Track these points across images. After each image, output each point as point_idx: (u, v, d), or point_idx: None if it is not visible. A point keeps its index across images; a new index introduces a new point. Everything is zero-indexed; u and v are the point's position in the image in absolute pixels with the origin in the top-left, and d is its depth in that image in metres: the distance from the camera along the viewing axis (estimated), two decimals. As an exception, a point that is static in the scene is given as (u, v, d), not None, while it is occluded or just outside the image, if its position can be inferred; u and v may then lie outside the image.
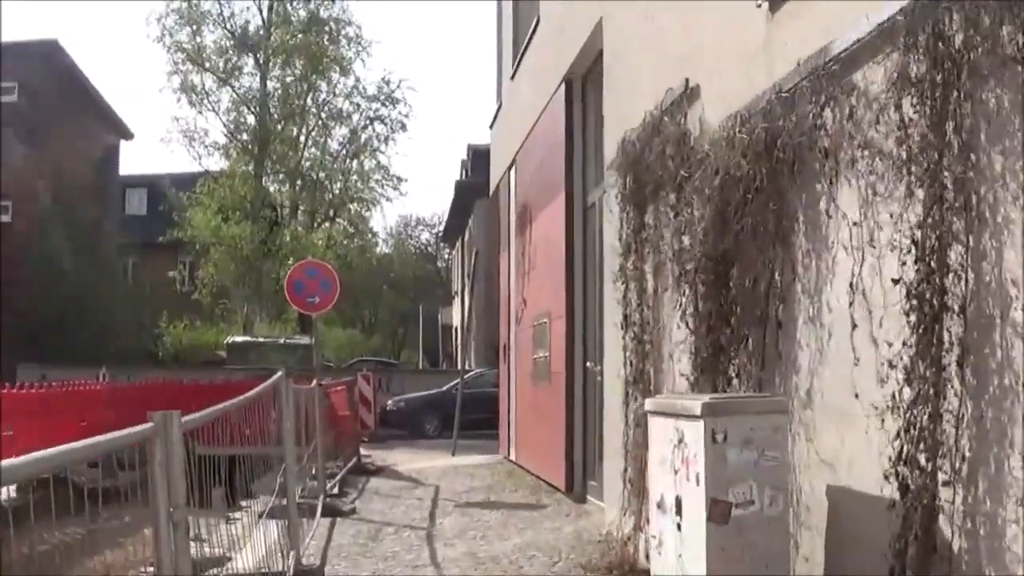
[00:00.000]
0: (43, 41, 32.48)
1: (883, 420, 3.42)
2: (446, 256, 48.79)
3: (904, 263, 3.35)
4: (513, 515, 8.53)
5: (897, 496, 3.34)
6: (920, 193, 3.34)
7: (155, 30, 45.53)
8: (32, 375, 17.80)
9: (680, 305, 5.29)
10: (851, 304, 3.79)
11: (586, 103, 9.29)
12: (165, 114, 78.70)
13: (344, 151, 35.07)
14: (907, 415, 3.31)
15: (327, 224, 36.75)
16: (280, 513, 6.41)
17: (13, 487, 9.05)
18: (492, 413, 14.82)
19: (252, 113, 33.44)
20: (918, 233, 3.31)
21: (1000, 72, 3.04)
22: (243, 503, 6.40)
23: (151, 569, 3.28)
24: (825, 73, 3.97)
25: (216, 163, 33.85)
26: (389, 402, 20.96)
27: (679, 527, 3.97)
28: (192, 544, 4.58)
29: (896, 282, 3.38)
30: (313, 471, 9.41)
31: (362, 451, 13.77)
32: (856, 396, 3.75)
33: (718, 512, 3.68)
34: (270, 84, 33.25)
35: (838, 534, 3.96)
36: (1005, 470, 3.01)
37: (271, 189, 34.83)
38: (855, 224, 3.79)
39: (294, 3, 33.34)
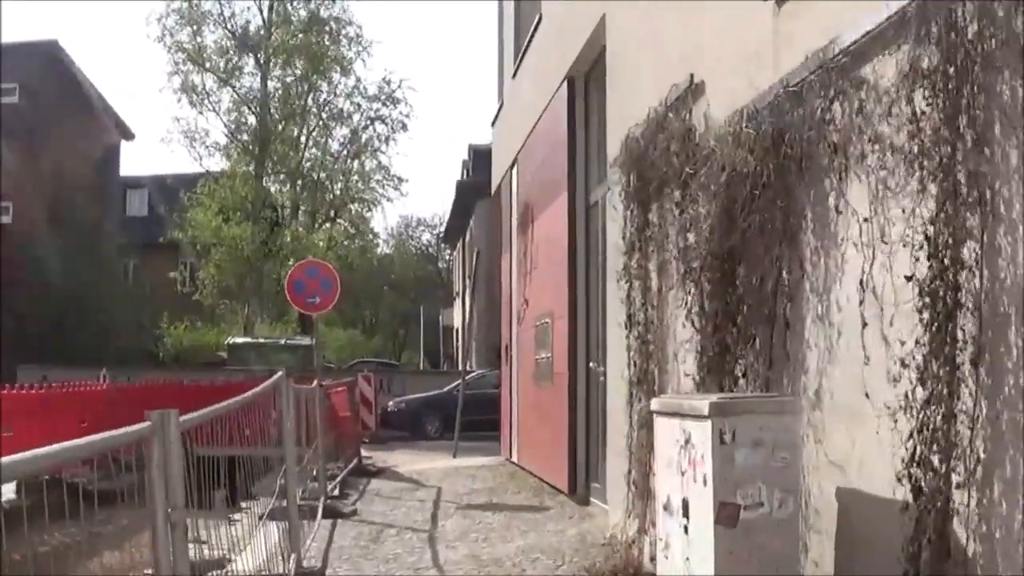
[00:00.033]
0: (43, 42, 32.48)
1: (896, 420, 3.34)
2: (447, 257, 48.73)
3: (917, 259, 3.28)
4: (516, 517, 8.46)
5: (910, 498, 3.26)
6: (933, 188, 3.26)
7: (155, 30, 45.63)
8: (33, 376, 17.76)
9: (685, 304, 5.21)
10: (861, 302, 3.71)
11: (588, 101, 9.22)
12: (166, 114, 78.76)
13: (345, 151, 35.05)
14: (920, 415, 3.23)
15: (328, 225, 36.71)
16: (281, 515, 6.35)
17: (11, 490, 9.03)
18: (493, 414, 14.75)
19: (253, 113, 33.40)
20: (931, 229, 3.23)
21: (1015, 63, 2.97)
22: (243, 504, 6.35)
23: (149, 571, 3.22)
24: (834, 66, 3.90)
25: (217, 163, 33.87)
26: (390, 403, 20.90)
27: (686, 530, 3.89)
28: (192, 546, 4.52)
29: (909, 279, 3.30)
30: (314, 472, 9.35)
31: (363, 452, 13.71)
32: (867, 396, 3.67)
33: (726, 515, 3.60)
34: (271, 84, 33.22)
35: (848, 537, 3.89)
36: (1021, 472, 2.93)
37: (272, 189, 34.79)
38: (865, 220, 3.71)
39: (294, 3, 33.33)
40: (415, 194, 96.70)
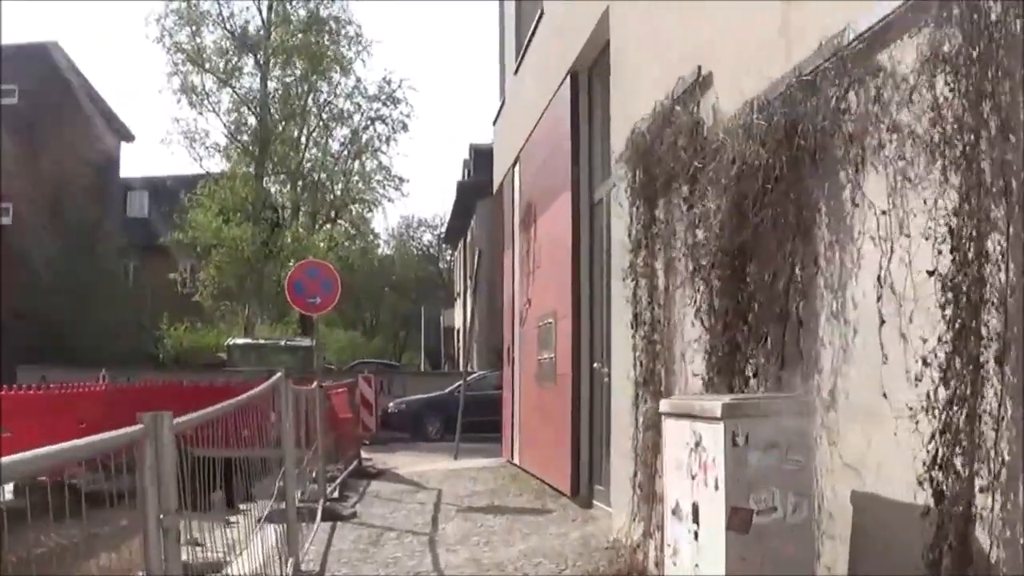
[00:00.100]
0: (43, 43, 32.42)
1: (917, 422, 3.20)
2: (448, 257, 48.63)
3: (940, 253, 3.13)
4: (518, 520, 8.32)
5: (932, 503, 3.12)
6: (955, 178, 3.12)
7: (154, 31, 45.29)
8: (32, 376, 17.68)
9: (694, 302, 5.07)
10: (879, 298, 3.57)
11: (592, 96, 9.09)
12: (165, 115, 78.58)
13: (345, 152, 34.91)
14: (943, 416, 3.09)
15: (328, 225, 36.58)
16: (279, 517, 6.23)
17: (9, 491, 8.93)
18: (495, 415, 14.65)
19: (253, 114, 33.27)
20: (954, 221, 3.10)
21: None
22: (241, 506, 6.23)
23: (141, 574, 3.10)
24: (849, 53, 3.76)
25: (217, 164, 33.74)
26: (391, 404, 20.79)
27: (696, 535, 3.75)
28: (188, 548, 4.40)
29: (931, 274, 3.16)
30: (313, 474, 9.23)
31: (363, 454, 13.59)
32: (884, 396, 3.53)
33: (738, 520, 3.46)
34: (270, 84, 33.09)
35: (864, 542, 3.75)
36: (1048, 475, 2.80)
37: (272, 190, 34.67)
38: (883, 213, 3.57)
39: (294, 3, 33.19)
40: (416, 194, 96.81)
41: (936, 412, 3.12)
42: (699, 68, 5.43)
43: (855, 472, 3.78)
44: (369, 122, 34.58)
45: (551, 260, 10.21)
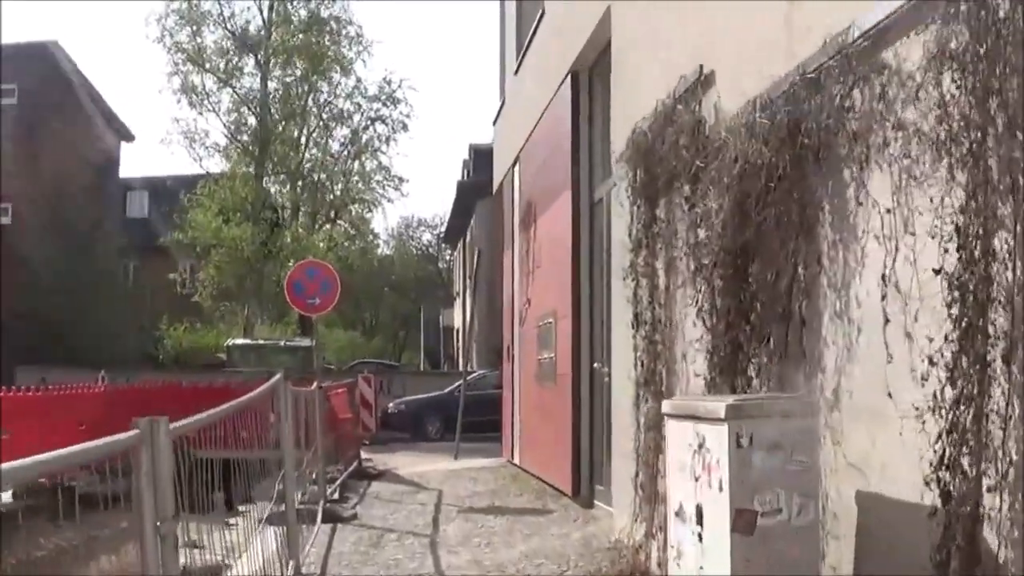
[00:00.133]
0: (43, 43, 32.36)
1: (924, 422, 3.16)
2: (448, 257, 48.60)
3: (946, 251, 3.10)
4: (519, 521, 8.29)
5: (939, 503, 3.09)
6: (962, 176, 3.09)
7: (155, 31, 45.29)
8: (31, 377, 17.66)
9: (696, 302, 5.04)
10: (883, 297, 3.54)
11: (593, 96, 9.06)
12: (165, 115, 78.50)
13: (345, 152, 34.87)
14: (950, 416, 3.06)
15: (328, 225, 36.53)
16: (279, 519, 6.20)
17: (8, 495, 8.90)
18: (495, 415, 14.62)
19: (253, 114, 33.23)
20: (960, 219, 3.07)
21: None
22: (241, 508, 6.20)
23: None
24: (854, 51, 3.73)
25: (217, 164, 33.69)
26: (390, 404, 20.76)
27: (700, 537, 3.71)
28: (187, 551, 4.37)
29: (937, 272, 3.13)
30: (313, 475, 9.19)
31: (363, 454, 13.56)
32: (889, 396, 3.50)
33: (743, 522, 3.42)
34: (271, 84, 33.04)
35: (869, 543, 3.71)
36: (1057, 475, 2.77)
37: (272, 190, 34.62)
38: (888, 211, 3.54)
39: (294, 3, 33.15)
40: (415, 194, 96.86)
41: (943, 412, 3.09)
42: (701, 67, 5.40)
43: (859, 472, 3.75)
44: (369, 122, 34.56)
45: (551, 260, 10.17)
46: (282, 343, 26.54)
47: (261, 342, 27.01)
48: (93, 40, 70.40)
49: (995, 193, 2.97)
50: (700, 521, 3.71)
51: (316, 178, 34.66)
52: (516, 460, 12.46)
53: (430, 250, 54.17)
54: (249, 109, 33.21)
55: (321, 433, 9.60)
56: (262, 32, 32.91)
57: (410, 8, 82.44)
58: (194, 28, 32.65)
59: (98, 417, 10.65)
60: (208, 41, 32.96)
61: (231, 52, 33.01)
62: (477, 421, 15.89)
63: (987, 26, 3.00)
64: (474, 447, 14.77)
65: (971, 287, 3.02)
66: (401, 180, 37.86)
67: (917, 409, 3.20)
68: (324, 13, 33.31)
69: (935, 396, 3.12)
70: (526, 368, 11.83)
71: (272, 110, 32.96)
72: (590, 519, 8.10)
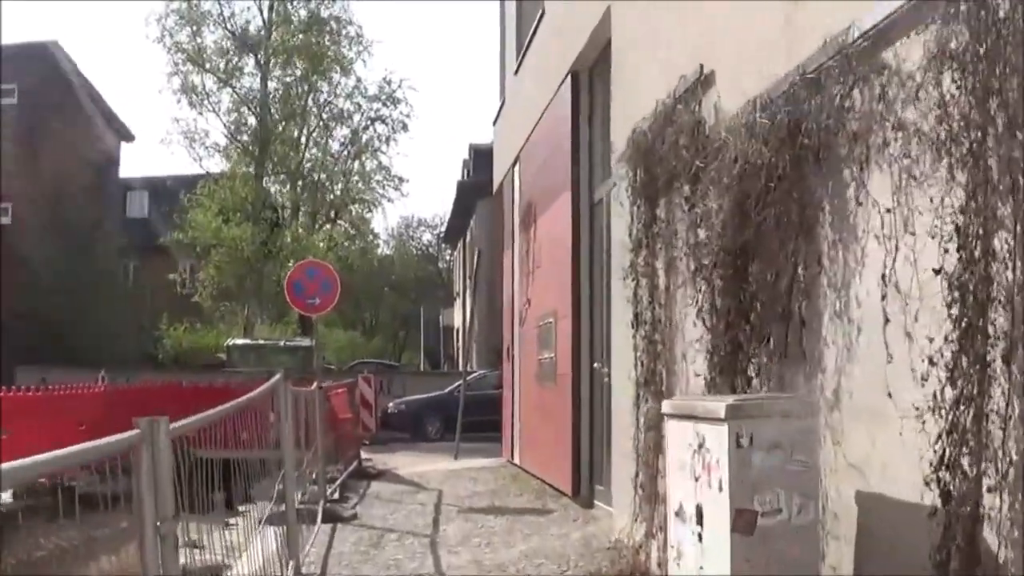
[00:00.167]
0: (42, 43, 32.36)
1: (924, 422, 3.16)
2: (448, 257, 48.59)
3: (947, 251, 3.10)
4: (518, 521, 8.29)
5: (939, 503, 3.09)
6: (962, 176, 3.09)
7: (155, 31, 45.20)
8: (31, 377, 17.65)
9: (696, 302, 5.04)
10: (883, 297, 3.54)
11: (593, 96, 9.06)
12: (165, 115, 78.42)
13: (345, 151, 34.82)
14: (950, 416, 3.06)
15: (328, 225, 36.51)
16: (279, 519, 6.19)
17: (8, 495, 8.90)
18: (494, 415, 14.61)
19: (253, 114, 33.19)
20: (960, 219, 3.07)
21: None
22: (241, 508, 6.20)
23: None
24: (854, 51, 3.73)
25: (217, 164, 33.65)
26: (390, 404, 20.74)
27: (700, 537, 3.71)
28: (187, 551, 4.37)
29: (937, 272, 3.13)
30: (313, 475, 9.19)
31: (363, 454, 13.55)
32: (889, 396, 3.50)
33: (743, 522, 3.42)
34: (271, 84, 33.00)
35: (869, 543, 3.71)
36: (1057, 475, 2.77)
37: (272, 190, 34.58)
38: (888, 211, 3.54)
39: (294, 3, 33.12)
40: (416, 194, 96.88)
41: (943, 412, 3.09)
42: (701, 67, 5.40)
43: (859, 472, 3.75)
44: (369, 122, 34.52)
45: (551, 260, 10.17)
46: (282, 343, 26.50)
47: (261, 342, 26.96)
48: (93, 40, 70.48)
49: (995, 193, 2.98)
50: (700, 521, 3.71)
51: (316, 178, 34.63)
52: (516, 460, 12.46)
53: (430, 250, 54.19)
54: (249, 109, 33.19)
55: (321, 433, 9.60)
56: (262, 32, 32.88)
57: (410, 8, 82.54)
58: (194, 28, 32.61)
59: (98, 417, 10.64)
60: (208, 41, 32.94)
61: (231, 52, 32.98)
62: (477, 421, 15.88)
63: (987, 26, 3.00)
64: (474, 447, 14.77)
65: (971, 287, 3.02)
66: (401, 180, 37.84)
67: (917, 409, 3.20)
68: (324, 13, 33.29)
69: (935, 396, 3.12)
70: (526, 368, 11.83)
71: (272, 110, 32.93)
72: (590, 519, 8.10)
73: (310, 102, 33.77)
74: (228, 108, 33.13)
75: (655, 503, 5.82)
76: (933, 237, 3.20)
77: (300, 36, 32.53)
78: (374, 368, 23.40)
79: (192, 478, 4.04)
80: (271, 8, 32.78)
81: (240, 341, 26.89)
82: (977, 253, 3.01)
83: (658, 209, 5.96)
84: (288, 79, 33.26)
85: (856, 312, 3.81)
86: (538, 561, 6.65)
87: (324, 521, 8.18)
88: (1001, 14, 2.96)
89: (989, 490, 2.99)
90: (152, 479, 2.86)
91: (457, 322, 35.75)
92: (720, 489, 3.51)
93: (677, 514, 3.97)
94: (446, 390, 20.67)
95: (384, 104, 34.35)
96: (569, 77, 9.26)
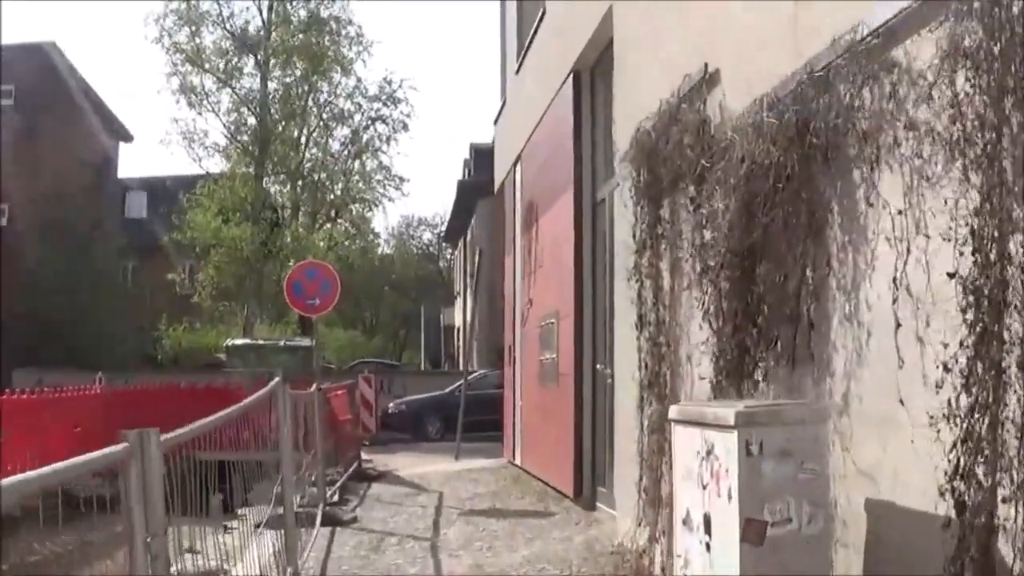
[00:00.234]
0: (40, 43, 32.27)
1: (938, 430, 3.08)
2: (448, 256, 48.50)
3: (961, 254, 3.02)
4: (520, 524, 8.21)
5: (953, 514, 3.01)
6: (975, 177, 3.01)
7: (153, 31, 45.21)
8: (29, 379, 17.58)
9: (702, 304, 4.96)
10: (894, 301, 3.46)
11: (595, 95, 8.98)
12: (165, 116, 78.28)
13: (345, 151, 34.72)
14: (965, 424, 2.98)
15: (328, 225, 36.42)
16: (279, 523, 6.11)
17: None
18: (495, 414, 14.54)
19: (252, 114, 33.07)
20: (974, 222, 2.99)
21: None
22: (240, 512, 6.12)
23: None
24: (863, 49, 3.65)
25: (216, 164, 33.53)
26: (391, 404, 20.67)
27: (708, 547, 3.63)
28: (181, 557, 4.29)
29: (952, 276, 3.05)
30: (312, 478, 9.11)
31: (363, 455, 13.47)
32: (901, 402, 3.42)
33: (753, 532, 3.34)
34: (271, 84, 32.89)
35: (879, 552, 3.63)
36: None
37: (272, 190, 34.47)
38: (899, 213, 3.46)
39: (294, 3, 33.01)
40: (416, 193, 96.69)
41: (958, 420, 3.01)
42: (705, 65, 5.32)
43: (869, 479, 3.68)
44: (369, 122, 34.40)
45: (553, 260, 10.10)
46: (282, 343, 26.35)
47: (261, 342, 26.82)
48: (91, 40, 70.41)
49: (1011, 195, 2.90)
50: (708, 530, 3.63)
51: (316, 178, 34.53)
52: (517, 461, 12.38)
53: (431, 249, 54.11)
54: (249, 109, 33.07)
55: (321, 435, 9.52)
56: (261, 32, 32.77)
57: (410, 8, 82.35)
58: (193, 28, 32.47)
59: (94, 419, 10.58)
60: (207, 41, 32.79)
61: (230, 52, 32.85)
62: (478, 421, 15.80)
63: (1001, 23, 2.93)
64: (475, 447, 14.69)
65: (986, 291, 2.95)
66: (402, 180, 37.72)
67: (932, 417, 3.12)
68: (324, 13, 33.16)
69: (949, 403, 3.04)
70: (528, 368, 11.75)
71: (272, 110, 32.81)
72: (592, 522, 8.02)
73: (310, 102, 33.66)
74: (227, 108, 33.02)
75: (659, 507, 5.74)
76: (948, 240, 3.12)
77: (300, 36, 32.42)
78: (374, 367, 23.33)
79: (185, 482, 3.95)
80: (270, 8, 32.67)
81: (240, 341, 26.75)
82: (992, 256, 2.93)
83: (662, 210, 5.88)
84: (288, 79, 33.15)
85: (866, 316, 3.74)
86: (541, 565, 6.57)
87: (323, 524, 8.09)
88: (1015, 10, 2.89)
89: (1004, 500, 2.92)
90: (141, 494, 2.73)
91: (458, 321, 35.68)
92: (729, 498, 3.43)
93: (684, 522, 3.88)
94: (447, 390, 20.59)
95: (384, 104, 34.25)
96: (571, 76, 9.18)
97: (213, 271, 30.73)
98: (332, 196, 35.18)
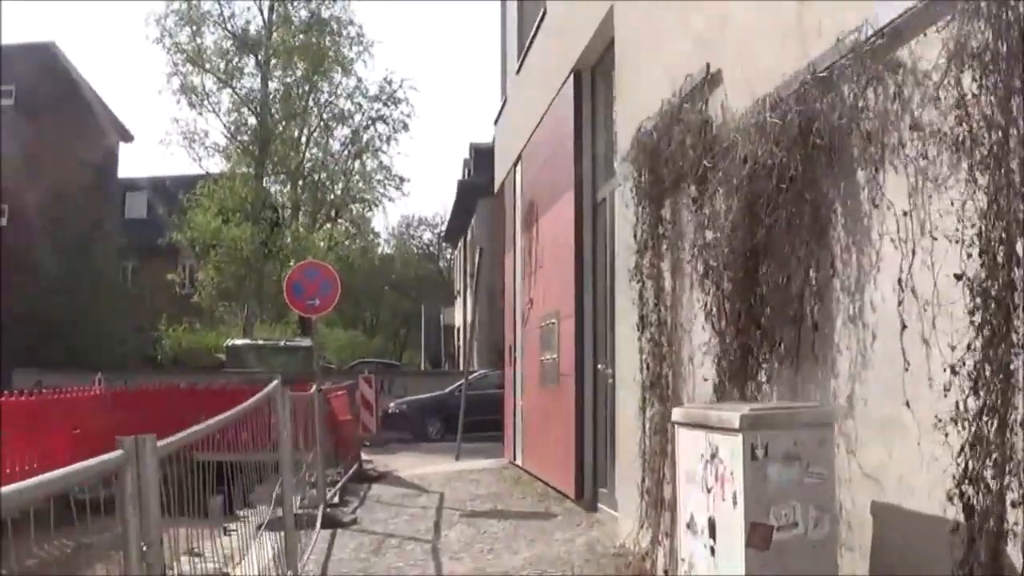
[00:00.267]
0: (41, 43, 32.25)
1: (946, 433, 3.05)
2: (448, 256, 48.47)
3: (968, 255, 2.99)
4: (522, 525, 8.17)
5: (962, 518, 2.98)
6: (982, 178, 2.98)
7: (154, 31, 45.11)
8: (28, 380, 17.54)
9: (704, 305, 4.93)
10: (900, 303, 3.43)
11: (595, 95, 8.95)
12: (165, 116, 78.25)
13: (346, 151, 34.75)
14: (973, 427, 2.95)
15: (329, 225, 36.42)
16: (278, 525, 6.08)
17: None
18: (496, 414, 14.50)
19: (253, 114, 33.08)
20: (981, 223, 2.96)
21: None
22: (240, 513, 6.09)
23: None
24: (868, 49, 3.62)
25: (217, 165, 33.55)
26: (391, 404, 20.62)
27: (712, 551, 3.59)
28: (184, 559, 4.26)
29: (959, 278, 3.02)
30: (312, 479, 9.08)
31: (363, 456, 13.44)
32: (907, 404, 3.39)
33: (758, 536, 3.30)
34: (271, 85, 32.90)
35: (885, 556, 3.60)
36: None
37: (272, 190, 34.50)
38: (904, 214, 3.43)
39: (295, 3, 33.00)
40: (416, 193, 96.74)
41: (966, 423, 2.98)
42: (708, 65, 5.29)
43: (875, 482, 3.65)
44: (370, 122, 34.43)
45: (554, 260, 10.07)
46: (282, 343, 26.41)
47: (261, 342, 26.87)
48: (93, 40, 70.29)
49: (1018, 196, 2.87)
50: (713, 534, 3.59)
51: (316, 178, 34.56)
52: (518, 461, 12.35)
53: (431, 249, 54.09)
54: (249, 109, 33.08)
55: (321, 437, 9.49)
56: (262, 32, 32.78)
57: (410, 8, 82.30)
58: (194, 28, 32.51)
59: (94, 421, 10.55)
60: (208, 42, 32.86)
61: (231, 52, 32.88)
62: (478, 421, 15.77)
63: (1009, 23, 2.90)
64: (475, 447, 14.66)
65: (994, 293, 2.92)
66: (402, 179, 37.72)
67: (939, 420, 3.09)
68: (325, 13, 33.20)
69: (957, 406, 3.01)
70: (528, 369, 11.72)
71: (272, 110, 32.83)
72: (594, 523, 7.99)
73: (311, 102, 33.70)
74: (228, 108, 33.09)
75: (661, 509, 5.72)
76: (955, 242, 3.08)
77: (301, 36, 32.44)
78: (374, 367, 23.30)
79: (182, 484, 3.92)
80: (271, 8, 32.71)
81: (240, 341, 26.79)
82: (1000, 258, 2.90)
83: (664, 210, 5.85)
84: (288, 79, 33.19)
85: (871, 317, 3.71)
86: (542, 567, 6.54)
87: (324, 526, 8.06)
88: (1023, 10, 2.86)
89: (1013, 504, 2.89)
90: (137, 502, 2.67)
91: (458, 321, 35.65)
92: (734, 502, 3.39)
93: (688, 526, 3.85)
94: (447, 390, 20.55)
95: (385, 104, 34.27)
96: (571, 76, 9.14)
97: (213, 271, 30.74)
98: (332, 196, 35.21)
